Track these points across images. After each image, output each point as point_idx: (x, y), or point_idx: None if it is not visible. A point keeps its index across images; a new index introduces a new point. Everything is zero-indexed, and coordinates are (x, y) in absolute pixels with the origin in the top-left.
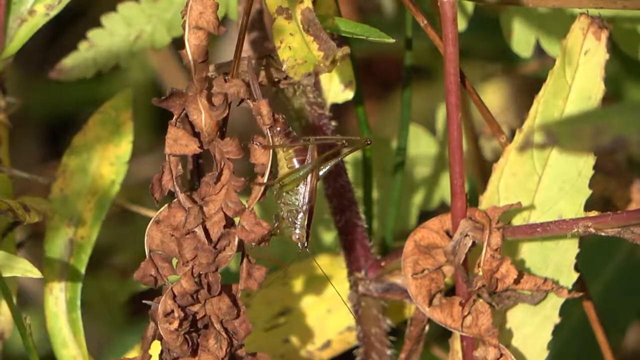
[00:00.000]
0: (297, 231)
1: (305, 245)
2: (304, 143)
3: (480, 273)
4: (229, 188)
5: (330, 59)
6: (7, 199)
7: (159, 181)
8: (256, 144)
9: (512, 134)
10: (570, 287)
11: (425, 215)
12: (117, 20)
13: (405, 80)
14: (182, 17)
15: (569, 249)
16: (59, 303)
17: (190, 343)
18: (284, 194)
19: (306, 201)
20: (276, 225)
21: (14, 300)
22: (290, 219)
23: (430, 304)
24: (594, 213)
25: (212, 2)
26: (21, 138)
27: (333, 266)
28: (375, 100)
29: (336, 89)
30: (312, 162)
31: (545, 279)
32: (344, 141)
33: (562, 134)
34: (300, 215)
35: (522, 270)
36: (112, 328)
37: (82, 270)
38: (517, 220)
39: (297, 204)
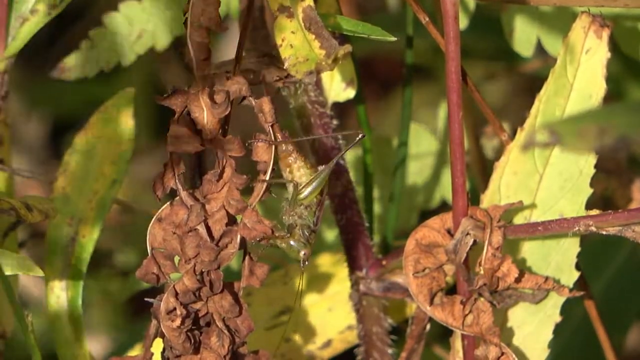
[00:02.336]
0: (306, 249)
1: (307, 263)
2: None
3: (482, 272)
4: (231, 186)
5: (332, 58)
6: (9, 198)
7: (161, 179)
8: (258, 142)
9: (514, 133)
10: (571, 286)
11: (426, 214)
12: (119, 20)
13: (406, 78)
14: (184, 15)
15: (570, 247)
16: (61, 302)
17: (192, 341)
18: (301, 207)
19: (319, 220)
20: (287, 236)
21: (17, 298)
22: (301, 234)
23: (431, 302)
24: (595, 212)
25: None
26: (22, 137)
27: (334, 265)
28: (376, 99)
29: (337, 88)
30: (324, 171)
31: (547, 278)
32: (339, 136)
33: (566, 133)
34: (311, 233)
35: (523, 269)
36: (114, 326)
37: (84, 269)
38: (518, 219)
39: (311, 221)
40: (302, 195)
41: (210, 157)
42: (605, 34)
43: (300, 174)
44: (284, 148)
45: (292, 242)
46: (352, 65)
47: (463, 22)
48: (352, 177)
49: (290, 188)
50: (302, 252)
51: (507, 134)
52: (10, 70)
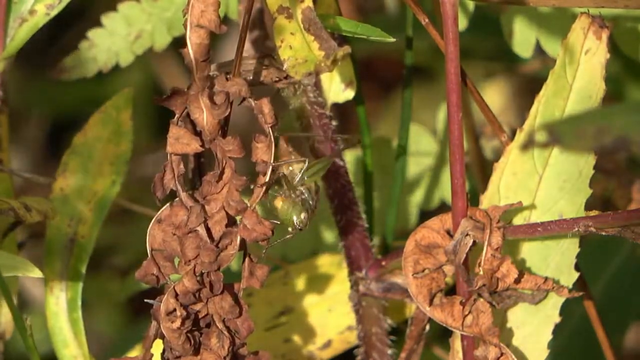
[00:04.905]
0: (306, 213)
1: (305, 228)
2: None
3: (481, 272)
4: (231, 187)
5: (331, 59)
6: (8, 199)
7: (161, 180)
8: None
9: (513, 134)
10: (570, 286)
11: (425, 214)
12: (118, 20)
13: (406, 79)
14: (184, 16)
15: (570, 248)
16: (60, 303)
17: (192, 342)
18: (302, 187)
19: (317, 204)
20: (290, 196)
21: (15, 300)
22: (302, 201)
23: (430, 303)
24: (594, 212)
25: (213, 0)
26: (22, 138)
27: (334, 266)
28: (376, 100)
29: (337, 89)
30: (325, 160)
31: (546, 279)
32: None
33: (565, 134)
34: (311, 211)
35: (522, 269)
36: (114, 327)
37: (83, 270)
38: (518, 220)
39: (311, 200)
40: (308, 173)
41: (210, 158)
42: (605, 34)
43: (300, 168)
44: (282, 149)
45: (293, 200)
46: (351, 66)
47: (462, 23)
48: (352, 177)
49: (292, 170)
50: (303, 214)
51: (506, 135)
52: (10, 71)
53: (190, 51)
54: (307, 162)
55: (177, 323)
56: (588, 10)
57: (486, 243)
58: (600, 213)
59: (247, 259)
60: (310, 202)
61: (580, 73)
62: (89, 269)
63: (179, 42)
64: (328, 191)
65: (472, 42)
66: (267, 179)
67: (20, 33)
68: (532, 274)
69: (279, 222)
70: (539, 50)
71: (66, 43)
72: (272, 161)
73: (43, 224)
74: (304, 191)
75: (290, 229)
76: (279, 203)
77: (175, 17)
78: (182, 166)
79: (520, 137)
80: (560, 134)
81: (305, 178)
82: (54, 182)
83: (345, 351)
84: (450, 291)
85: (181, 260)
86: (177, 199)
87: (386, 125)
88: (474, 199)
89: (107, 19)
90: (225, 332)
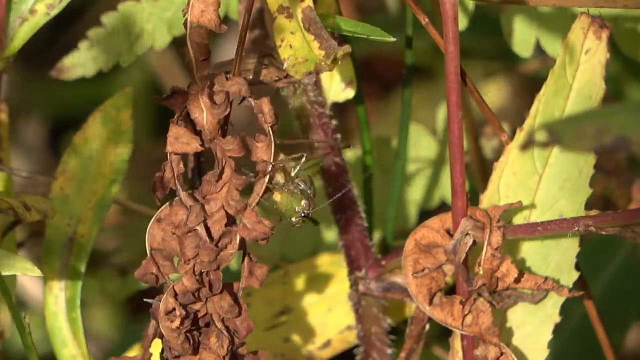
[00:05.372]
0: (307, 201)
1: (309, 215)
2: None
3: (481, 272)
4: (231, 186)
5: (332, 58)
6: (8, 198)
7: (161, 180)
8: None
9: (513, 133)
10: (571, 286)
11: (425, 214)
12: (118, 20)
13: (406, 79)
14: (184, 15)
15: (570, 248)
16: (59, 302)
17: (191, 341)
18: (299, 180)
19: (315, 195)
20: (288, 188)
21: (14, 299)
22: (300, 191)
23: (430, 303)
24: (595, 212)
25: (213, 0)
26: (22, 138)
27: (334, 265)
28: (376, 100)
29: (337, 88)
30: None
31: (546, 278)
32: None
33: (565, 134)
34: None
35: (522, 269)
36: (113, 327)
37: (83, 270)
38: (518, 220)
39: (310, 190)
40: (304, 167)
41: (210, 158)
42: (605, 35)
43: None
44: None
45: (292, 191)
46: (351, 65)
47: (462, 23)
48: (352, 177)
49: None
50: (304, 202)
51: (506, 135)
52: (10, 71)
53: (190, 51)
54: (304, 157)
55: (177, 323)
56: (588, 11)
57: (486, 243)
58: (601, 213)
59: (246, 259)
60: (309, 192)
61: (581, 73)
62: (89, 269)
63: (179, 42)
64: (328, 190)
65: (472, 42)
66: (267, 178)
67: (20, 33)
68: (532, 273)
69: (280, 219)
70: (539, 50)
71: (66, 43)
72: (272, 160)
73: (43, 223)
74: (300, 183)
75: (294, 220)
76: (277, 197)
77: (176, 16)
78: (182, 166)
79: (520, 137)
80: (561, 133)
81: (301, 172)
82: (54, 182)
83: (345, 351)
84: (450, 291)
85: (181, 260)
86: (177, 198)
87: (386, 125)
88: (474, 199)
89: (108, 18)
90: (225, 332)
